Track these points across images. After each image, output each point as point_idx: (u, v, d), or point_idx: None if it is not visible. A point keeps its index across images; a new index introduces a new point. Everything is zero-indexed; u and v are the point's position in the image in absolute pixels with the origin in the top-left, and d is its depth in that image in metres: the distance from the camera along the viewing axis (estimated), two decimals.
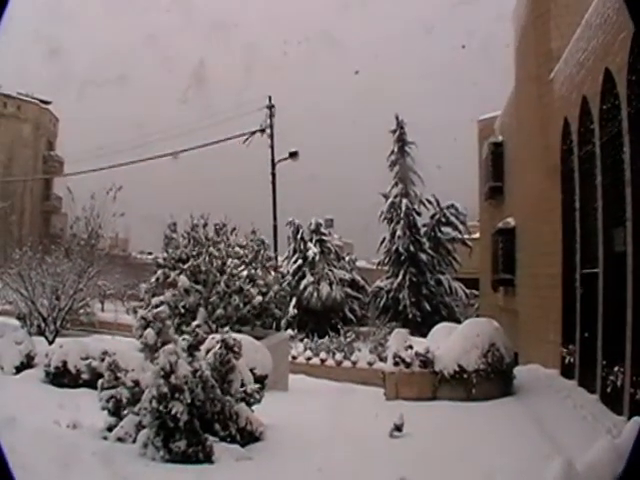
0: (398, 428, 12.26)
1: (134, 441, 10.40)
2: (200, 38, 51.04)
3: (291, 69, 41.37)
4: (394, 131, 36.10)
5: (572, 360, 16.15)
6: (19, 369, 18.02)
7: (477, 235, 34.58)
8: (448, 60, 41.44)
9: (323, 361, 25.68)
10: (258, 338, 16.75)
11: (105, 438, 10.85)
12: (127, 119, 37.79)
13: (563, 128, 17.31)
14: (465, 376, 15.79)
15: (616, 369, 12.61)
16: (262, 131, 30.72)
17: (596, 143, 14.52)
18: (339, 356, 25.79)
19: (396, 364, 16.69)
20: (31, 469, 7.01)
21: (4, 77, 38.46)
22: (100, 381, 11.68)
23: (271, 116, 31.03)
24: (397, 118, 36.09)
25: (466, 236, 36.14)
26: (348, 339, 29.03)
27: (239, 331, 16.79)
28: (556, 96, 18.05)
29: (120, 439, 10.65)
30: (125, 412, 11.13)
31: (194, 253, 20.39)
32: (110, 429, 11.06)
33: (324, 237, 37.96)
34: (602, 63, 13.49)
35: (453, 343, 16.47)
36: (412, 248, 34.64)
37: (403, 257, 34.78)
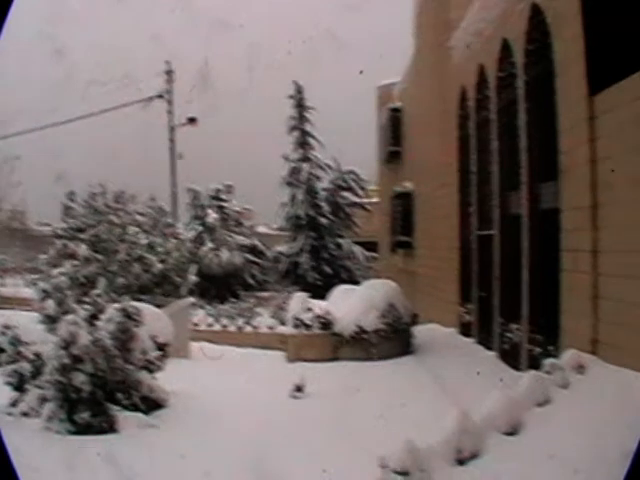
0: (299, 389, 12.43)
1: (39, 415, 10.22)
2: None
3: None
4: (292, 96, 35.98)
5: (470, 319, 16.67)
6: None
7: (376, 199, 35.01)
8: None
9: (225, 327, 25.57)
10: (159, 306, 16.57)
11: (10, 414, 10.62)
12: None
13: (460, 95, 17.66)
14: (364, 336, 16.08)
15: (513, 327, 13.12)
16: (160, 97, 30.25)
17: (492, 110, 14.90)
18: (240, 322, 25.73)
19: (296, 327, 16.89)
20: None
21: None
22: (1, 356, 11.39)
23: (169, 81, 30.57)
24: (295, 83, 35.95)
25: (365, 200, 36.49)
26: (249, 304, 28.99)
27: (140, 299, 16.58)
28: (454, 64, 18.36)
29: (25, 414, 10.44)
30: (29, 386, 10.91)
31: (93, 222, 20.02)
32: (15, 404, 10.83)
33: (223, 203, 37.67)
34: (500, 32, 13.81)
35: (352, 305, 16.73)
36: (312, 212, 34.77)
37: (303, 222, 34.89)
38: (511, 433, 7.05)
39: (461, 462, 6.42)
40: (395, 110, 27.79)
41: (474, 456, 6.49)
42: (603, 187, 9.48)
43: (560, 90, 10.82)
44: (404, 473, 5.83)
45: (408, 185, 25.26)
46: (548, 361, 9.06)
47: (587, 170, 9.77)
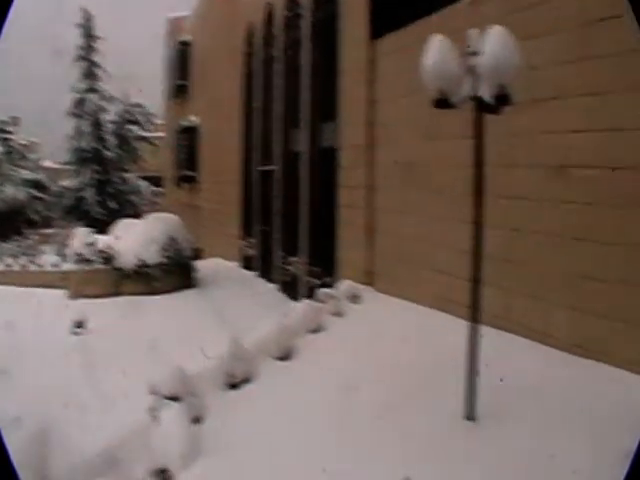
0: (79, 325, 12.28)
1: None
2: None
3: None
4: (81, 25, 34.46)
5: (252, 253, 17.07)
6: None
7: (163, 134, 34.61)
8: None
9: (8, 266, 24.62)
10: None
11: None
12: None
13: (247, 32, 17.72)
14: (146, 270, 15.97)
15: (293, 260, 13.61)
16: None
17: (278, 48, 15.12)
18: (24, 260, 24.86)
19: (78, 263, 16.53)
20: None
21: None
22: None
23: None
24: (84, 11, 34.43)
25: (152, 134, 35.94)
26: (33, 242, 28.06)
27: None
28: (242, 0, 18.36)
29: None
30: None
31: None
32: None
33: (9, 136, 36.04)
34: None
35: (133, 239, 16.55)
36: (97, 145, 33.82)
37: (88, 155, 33.85)
38: (283, 358, 7.41)
39: (234, 386, 6.70)
40: (184, 43, 27.47)
41: (247, 380, 6.79)
42: (379, 127, 9.99)
43: (343, 32, 11.20)
44: (175, 398, 6.01)
45: (194, 119, 25.22)
46: (322, 291, 9.54)
47: (364, 110, 10.23)
